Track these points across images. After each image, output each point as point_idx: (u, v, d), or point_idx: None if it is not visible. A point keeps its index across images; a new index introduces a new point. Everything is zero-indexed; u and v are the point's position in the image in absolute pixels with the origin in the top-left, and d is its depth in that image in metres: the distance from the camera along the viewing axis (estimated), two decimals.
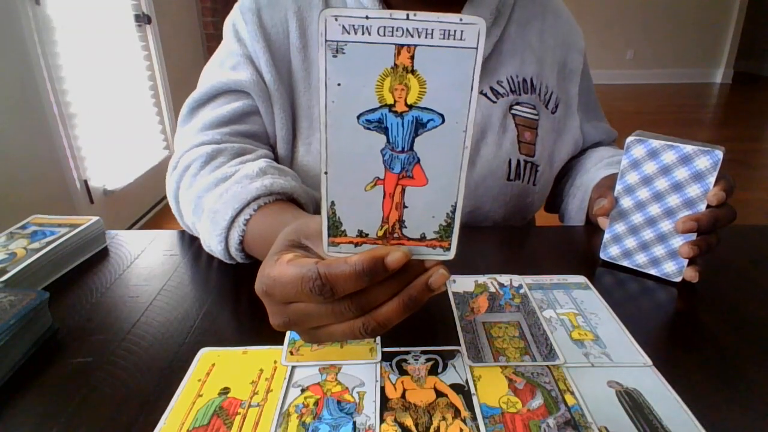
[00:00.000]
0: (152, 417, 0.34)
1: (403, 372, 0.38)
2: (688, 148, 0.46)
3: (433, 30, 0.25)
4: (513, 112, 0.66)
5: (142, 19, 2.51)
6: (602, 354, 0.40)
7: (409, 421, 0.33)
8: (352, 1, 0.63)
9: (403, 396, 0.35)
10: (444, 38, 0.25)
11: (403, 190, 0.29)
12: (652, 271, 0.51)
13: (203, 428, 0.33)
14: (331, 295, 0.29)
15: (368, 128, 0.27)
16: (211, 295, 0.49)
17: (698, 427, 0.33)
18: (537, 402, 0.35)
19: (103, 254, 0.57)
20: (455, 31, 0.25)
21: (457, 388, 0.36)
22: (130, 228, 2.35)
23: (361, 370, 0.38)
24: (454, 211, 0.29)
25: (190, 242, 0.59)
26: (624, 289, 0.50)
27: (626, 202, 0.51)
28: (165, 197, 0.61)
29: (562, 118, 0.71)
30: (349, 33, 0.25)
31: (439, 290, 0.30)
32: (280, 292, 0.31)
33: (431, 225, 0.30)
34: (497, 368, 0.38)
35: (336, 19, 0.24)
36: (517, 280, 0.50)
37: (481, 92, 0.65)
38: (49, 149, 1.81)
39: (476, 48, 0.25)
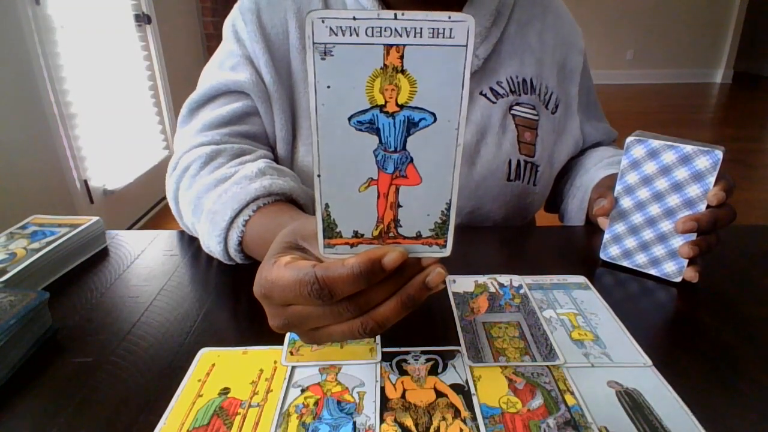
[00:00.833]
0: (152, 417, 0.34)
1: (403, 372, 0.38)
2: (688, 148, 0.46)
3: (421, 29, 0.25)
4: (513, 112, 0.66)
5: (142, 19, 2.51)
6: (602, 354, 0.40)
7: (409, 422, 0.33)
8: (352, 2, 0.63)
9: (403, 396, 0.35)
10: (433, 37, 0.25)
11: (397, 190, 0.29)
12: (652, 271, 0.51)
13: (203, 428, 0.33)
14: (329, 298, 0.29)
15: (360, 129, 0.27)
16: (211, 295, 0.49)
17: (698, 427, 0.33)
18: (537, 402, 0.35)
19: (103, 254, 0.57)
20: (444, 29, 0.25)
21: (457, 388, 0.36)
22: (130, 228, 2.35)
23: (361, 370, 0.38)
24: (448, 209, 0.29)
25: (190, 242, 0.59)
26: (624, 289, 0.50)
27: (626, 203, 0.51)
28: (165, 197, 0.61)
29: (562, 119, 0.71)
30: (336, 35, 0.25)
31: (437, 289, 0.30)
32: (278, 295, 0.31)
33: (426, 223, 0.30)
34: (497, 368, 0.38)
35: (323, 21, 0.24)
36: (517, 280, 0.50)
37: (480, 93, 0.65)
38: (49, 149, 1.81)
39: (466, 46, 0.25)
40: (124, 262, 0.56)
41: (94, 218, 0.58)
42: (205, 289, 0.50)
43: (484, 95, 0.65)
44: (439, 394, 0.35)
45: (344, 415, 0.34)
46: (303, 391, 0.36)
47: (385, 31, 0.25)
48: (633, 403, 0.35)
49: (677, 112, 4.63)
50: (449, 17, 0.25)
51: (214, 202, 0.49)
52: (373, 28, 0.24)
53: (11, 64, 1.63)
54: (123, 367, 0.39)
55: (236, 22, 0.64)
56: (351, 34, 0.25)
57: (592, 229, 0.63)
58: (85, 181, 2.01)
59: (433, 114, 0.27)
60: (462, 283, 0.50)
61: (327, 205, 0.29)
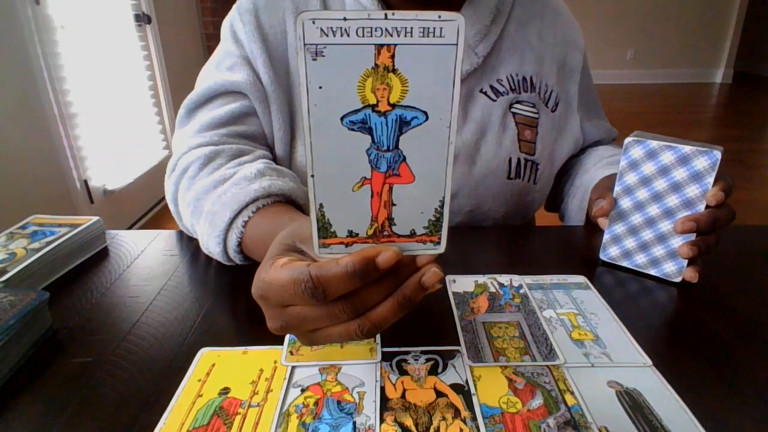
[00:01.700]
0: (152, 417, 0.34)
1: (403, 372, 0.38)
2: (687, 149, 0.46)
3: (412, 28, 0.25)
4: (513, 110, 0.66)
5: (142, 19, 2.51)
6: (602, 354, 0.40)
7: (409, 421, 0.33)
8: (352, 2, 0.63)
9: (403, 396, 0.35)
10: (423, 36, 0.25)
11: (390, 189, 0.29)
12: (652, 272, 0.51)
13: (203, 428, 0.33)
14: (324, 297, 0.29)
15: (352, 129, 0.27)
16: (211, 296, 0.49)
17: (698, 427, 0.33)
18: (537, 402, 0.35)
19: (103, 254, 0.57)
20: (434, 28, 0.25)
21: (457, 388, 0.36)
22: (130, 228, 2.35)
23: (361, 370, 0.38)
24: (442, 206, 0.29)
25: (190, 242, 0.59)
26: (624, 289, 0.50)
27: (625, 203, 0.51)
28: (165, 197, 0.61)
29: (562, 117, 0.71)
30: (327, 35, 0.25)
31: (433, 289, 0.30)
32: (275, 295, 0.31)
33: (420, 221, 0.30)
34: (497, 368, 0.38)
35: (314, 22, 0.24)
36: (517, 280, 0.50)
37: (480, 90, 0.65)
38: (49, 149, 1.81)
39: (456, 44, 0.25)
40: (124, 262, 0.56)
41: (94, 218, 0.58)
42: (204, 289, 0.50)
43: (484, 93, 0.65)
44: (439, 394, 0.35)
45: (344, 415, 0.34)
46: (303, 391, 0.36)
47: (375, 31, 0.25)
48: (633, 403, 0.35)
49: (677, 112, 4.63)
50: (439, 16, 0.25)
51: (213, 203, 0.49)
52: (363, 28, 0.25)
53: (11, 64, 1.63)
54: (123, 367, 0.39)
55: (234, 23, 0.64)
56: (342, 35, 0.25)
57: (592, 229, 0.63)
58: (85, 181, 2.01)
59: (425, 112, 0.27)
60: (462, 283, 0.50)
61: (321, 205, 0.29)
